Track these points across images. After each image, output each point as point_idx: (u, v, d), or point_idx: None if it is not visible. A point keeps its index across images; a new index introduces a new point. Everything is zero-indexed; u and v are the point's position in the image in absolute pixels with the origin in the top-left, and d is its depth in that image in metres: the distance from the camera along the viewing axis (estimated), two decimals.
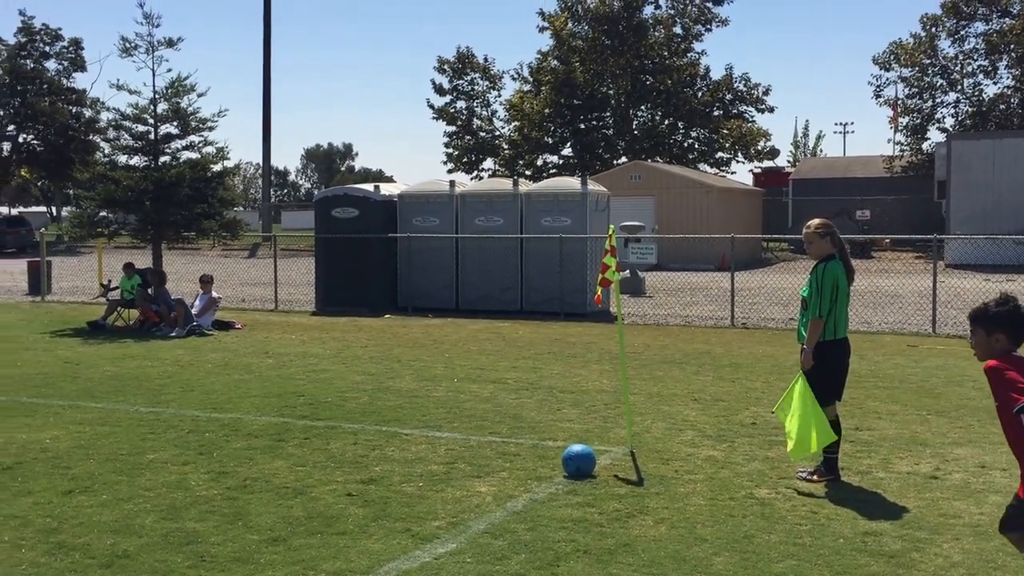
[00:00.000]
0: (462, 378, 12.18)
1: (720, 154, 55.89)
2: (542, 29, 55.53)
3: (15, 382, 12.02)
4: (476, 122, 59.69)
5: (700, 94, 54.92)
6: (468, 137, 59.38)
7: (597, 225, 19.95)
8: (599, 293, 8.75)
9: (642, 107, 56.05)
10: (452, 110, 59.36)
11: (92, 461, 8.10)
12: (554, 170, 55.16)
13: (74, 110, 60.21)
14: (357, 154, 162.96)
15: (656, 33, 54.71)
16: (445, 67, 59.32)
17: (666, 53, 54.83)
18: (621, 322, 9.04)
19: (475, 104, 60.02)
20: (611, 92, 55.46)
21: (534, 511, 6.74)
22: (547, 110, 54.41)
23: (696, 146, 55.96)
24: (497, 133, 59.77)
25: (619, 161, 51.83)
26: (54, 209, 78.81)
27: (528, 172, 54.24)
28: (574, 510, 6.76)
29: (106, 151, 23.14)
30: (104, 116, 27.70)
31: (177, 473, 7.73)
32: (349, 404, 10.53)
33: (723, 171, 55.48)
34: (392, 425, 9.46)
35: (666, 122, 55.65)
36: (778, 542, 6.13)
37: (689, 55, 55.43)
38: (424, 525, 6.45)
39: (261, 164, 56.58)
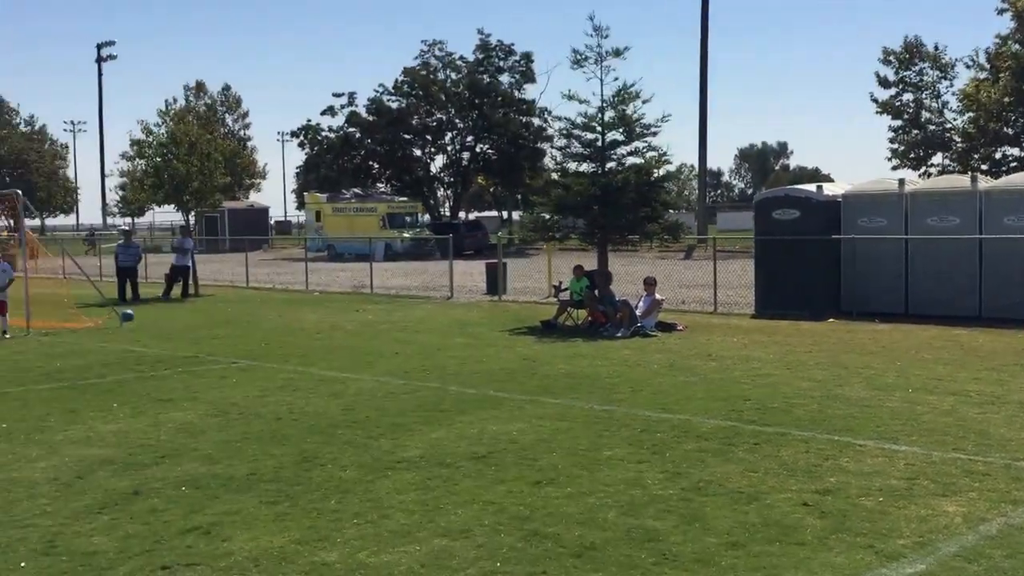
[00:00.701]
0: (917, 388, 11.51)
1: None
2: (1001, 11, 51.05)
3: (482, 377, 13.06)
4: (924, 115, 56.17)
5: None
6: (915, 131, 56.05)
7: None
8: None
9: None
10: (898, 103, 56.33)
11: (554, 454, 8.61)
12: (1014, 164, 50.51)
13: (524, 120, 64.28)
14: (792, 152, 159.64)
15: None
16: (891, 58, 56.40)
17: None
18: None
19: (923, 95, 56.50)
20: None
21: (1011, 536, 6.23)
22: (1007, 99, 49.87)
23: None
24: (948, 126, 55.88)
25: None
26: (505, 213, 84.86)
27: (984, 167, 50.11)
28: None
29: (557, 158, 24.40)
30: (555, 125, 29.49)
31: (633, 471, 8.00)
32: (797, 411, 10.34)
33: None
34: (844, 435, 9.16)
35: None
36: None
37: None
38: (888, 542, 6.17)
39: (696, 166, 57.15)
